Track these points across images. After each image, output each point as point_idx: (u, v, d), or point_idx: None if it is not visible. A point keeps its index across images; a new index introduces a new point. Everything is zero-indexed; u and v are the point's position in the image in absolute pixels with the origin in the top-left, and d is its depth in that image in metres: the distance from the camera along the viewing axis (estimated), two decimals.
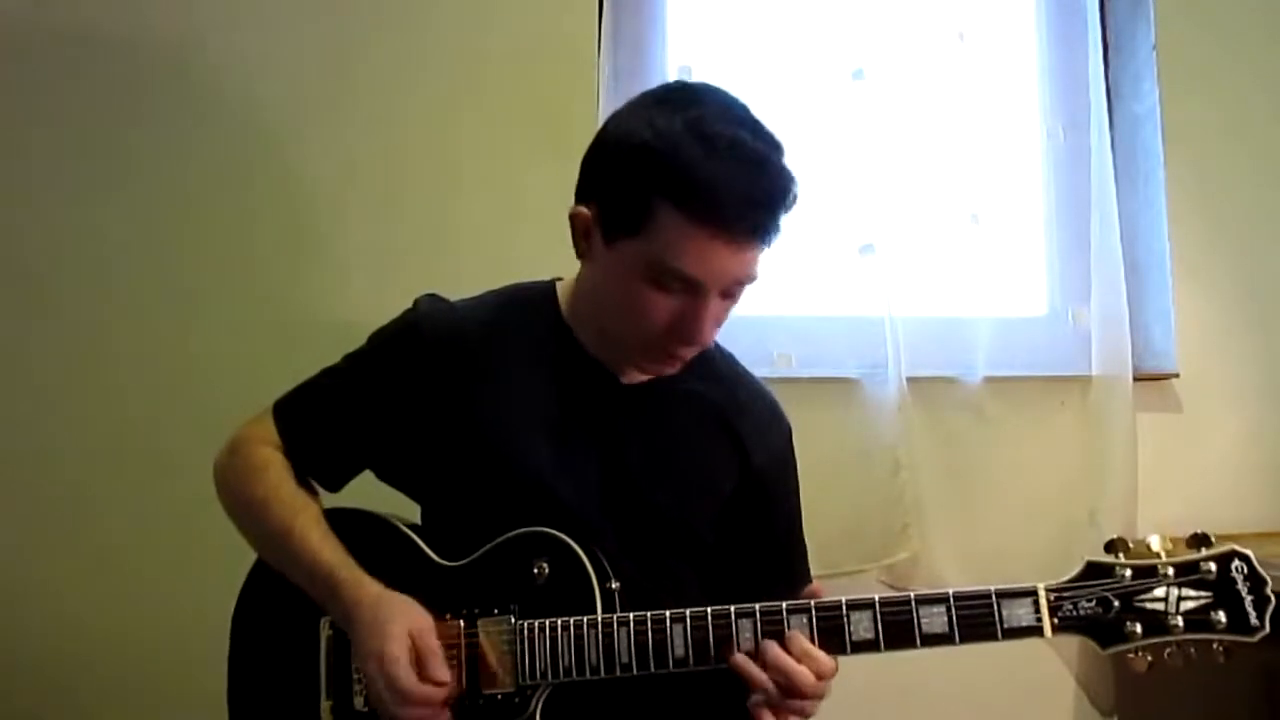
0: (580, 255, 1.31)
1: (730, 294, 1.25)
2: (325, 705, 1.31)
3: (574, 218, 1.29)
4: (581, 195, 1.28)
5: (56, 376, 1.97)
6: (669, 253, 1.20)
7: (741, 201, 1.17)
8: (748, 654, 1.21)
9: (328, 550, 1.29)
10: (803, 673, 1.19)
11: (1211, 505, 2.17)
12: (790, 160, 1.22)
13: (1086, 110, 2.25)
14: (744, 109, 1.24)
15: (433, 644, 1.23)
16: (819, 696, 1.21)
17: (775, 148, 1.22)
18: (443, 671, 1.22)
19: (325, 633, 1.33)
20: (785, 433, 1.46)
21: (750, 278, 1.24)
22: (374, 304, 1.45)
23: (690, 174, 1.17)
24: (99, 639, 1.92)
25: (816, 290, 2.25)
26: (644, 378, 1.36)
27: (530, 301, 1.39)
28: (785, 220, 1.23)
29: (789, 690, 1.19)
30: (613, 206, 1.23)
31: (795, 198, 1.22)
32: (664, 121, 1.20)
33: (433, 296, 1.40)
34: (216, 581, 1.41)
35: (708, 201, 1.17)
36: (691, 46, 2.23)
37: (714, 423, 1.39)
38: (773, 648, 1.20)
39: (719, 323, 1.28)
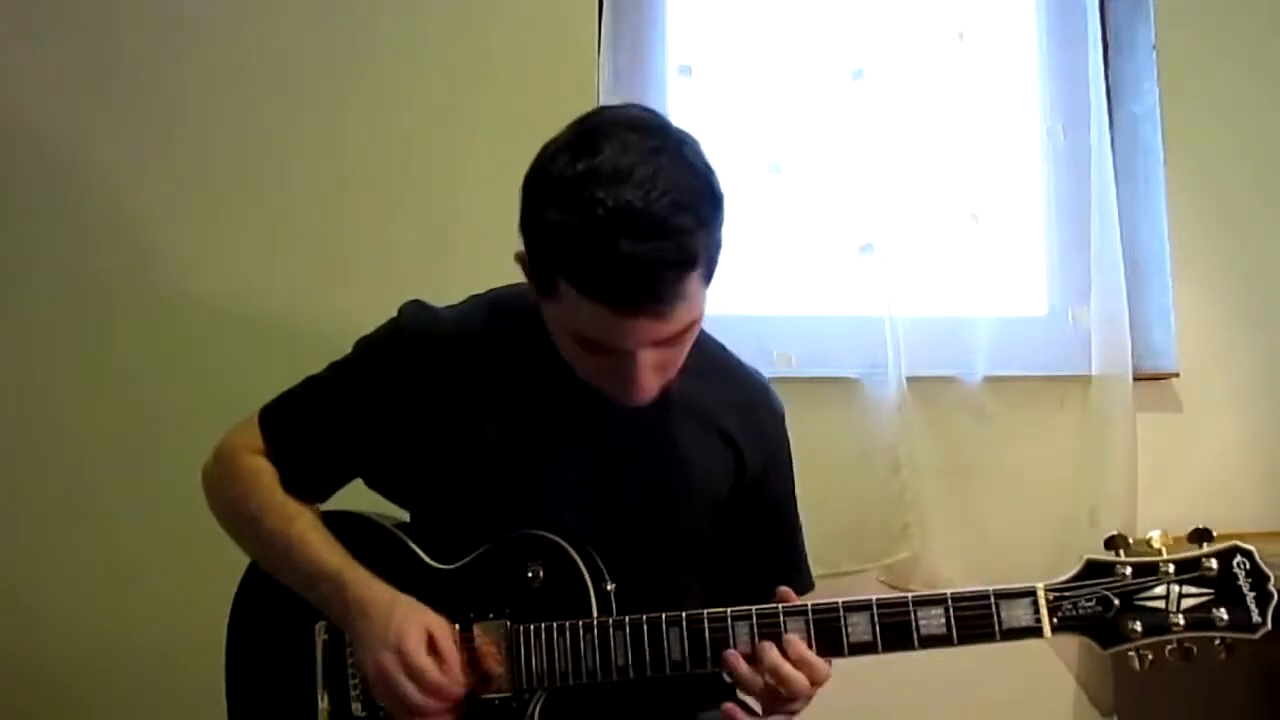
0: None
1: (666, 344, 1.17)
2: (322, 709, 1.30)
3: (519, 260, 1.23)
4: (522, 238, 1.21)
5: (55, 378, 1.96)
6: (578, 323, 1.16)
7: (630, 279, 1.09)
8: (744, 655, 1.19)
9: (329, 553, 1.28)
10: (797, 678, 1.17)
11: (1211, 505, 2.17)
12: (699, 204, 1.11)
13: (1086, 110, 2.25)
14: (642, 153, 1.10)
15: (451, 647, 1.23)
16: (807, 700, 1.21)
17: (673, 203, 1.09)
18: (460, 673, 1.22)
19: (321, 637, 1.32)
20: (779, 421, 1.43)
21: (679, 330, 1.16)
22: (374, 304, 1.43)
23: (577, 255, 1.10)
24: (99, 640, 1.92)
25: (816, 290, 2.25)
26: None
27: (518, 307, 1.33)
28: (692, 280, 1.12)
29: (778, 695, 1.18)
30: (531, 268, 1.19)
31: (695, 258, 1.11)
32: (558, 187, 1.11)
33: (417, 303, 1.37)
34: (216, 583, 1.40)
35: (597, 283, 1.10)
36: (691, 46, 2.23)
37: (706, 424, 1.36)
38: (770, 651, 1.18)
39: (666, 368, 1.21)
